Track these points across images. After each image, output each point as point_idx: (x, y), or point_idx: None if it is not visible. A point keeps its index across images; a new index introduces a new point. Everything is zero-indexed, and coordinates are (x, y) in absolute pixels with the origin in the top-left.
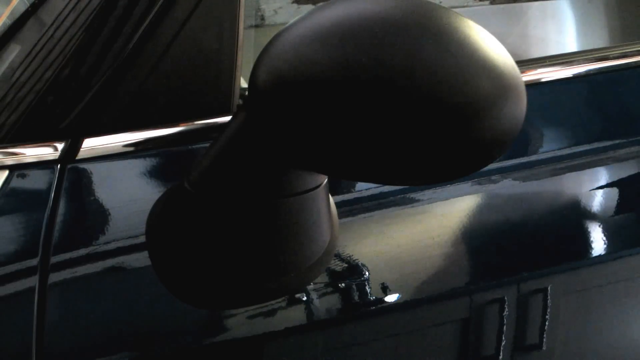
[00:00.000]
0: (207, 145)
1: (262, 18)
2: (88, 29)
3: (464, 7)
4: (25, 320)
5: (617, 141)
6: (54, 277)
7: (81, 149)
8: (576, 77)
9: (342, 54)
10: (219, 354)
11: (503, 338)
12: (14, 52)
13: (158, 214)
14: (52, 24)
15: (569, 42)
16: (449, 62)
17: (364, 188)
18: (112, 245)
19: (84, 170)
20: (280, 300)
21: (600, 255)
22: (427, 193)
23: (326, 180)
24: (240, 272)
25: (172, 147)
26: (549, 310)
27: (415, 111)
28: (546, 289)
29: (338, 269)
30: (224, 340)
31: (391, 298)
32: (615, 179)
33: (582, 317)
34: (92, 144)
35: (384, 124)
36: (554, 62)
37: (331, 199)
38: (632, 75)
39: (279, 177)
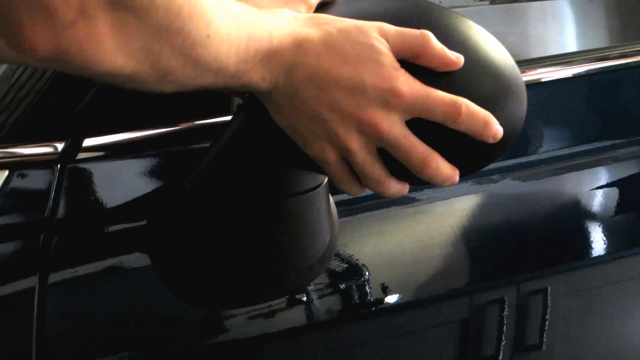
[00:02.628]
0: (207, 145)
1: None
2: None
3: (464, 7)
4: (25, 320)
5: (617, 141)
6: (54, 277)
7: (81, 149)
8: (576, 77)
9: None
10: (219, 354)
11: (503, 338)
12: None
13: (158, 214)
14: None
15: (569, 42)
16: None
17: None
18: (112, 245)
19: (84, 170)
20: (280, 300)
21: (600, 255)
22: (427, 193)
23: (326, 180)
24: (241, 272)
25: (172, 147)
26: (548, 310)
27: None
28: (546, 289)
29: (338, 269)
30: (224, 340)
31: (391, 298)
32: (615, 179)
33: (582, 317)
34: (92, 144)
35: None
36: (554, 62)
37: (331, 199)
38: (632, 75)
39: (278, 177)
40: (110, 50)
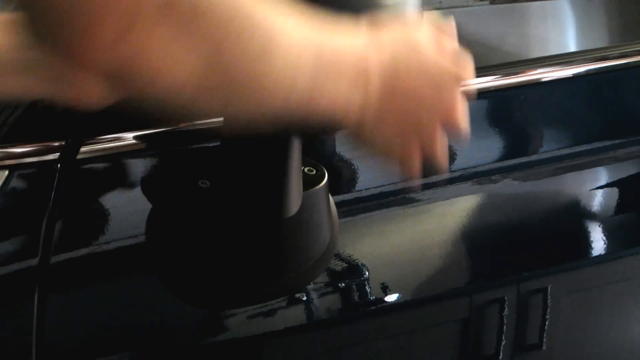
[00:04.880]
0: (206, 145)
1: None
2: None
3: (464, 7)
4: (25, 320)
5: (617, 141)
6: (54, 277)
7: (81, 149)
8: (576, 77)
9: None
10: (219, 354)
11: (503, 338)
12: None
13: (158, 214)
14: None
15: (569, 42)
16: None
17: (363, 188)
18: (112, 245)
19: (84, 170)
20: (280, 300)
21: (600, 255)
22: (427, 193)
23: (326, 179)
24: (241, 272)
25: (172, 147)
26: (549, 310)
27: None
28: (546, 289)
29: (338, 269)
30: (224, 340)
31: (391, 298)
32: (615, 179)
33: (582, 317)
34: (92, 144)
35: None
36: (554, 62)
37: (331, 199)
38: (632, 75)
39: (281, 181)
40: (169, 60)
